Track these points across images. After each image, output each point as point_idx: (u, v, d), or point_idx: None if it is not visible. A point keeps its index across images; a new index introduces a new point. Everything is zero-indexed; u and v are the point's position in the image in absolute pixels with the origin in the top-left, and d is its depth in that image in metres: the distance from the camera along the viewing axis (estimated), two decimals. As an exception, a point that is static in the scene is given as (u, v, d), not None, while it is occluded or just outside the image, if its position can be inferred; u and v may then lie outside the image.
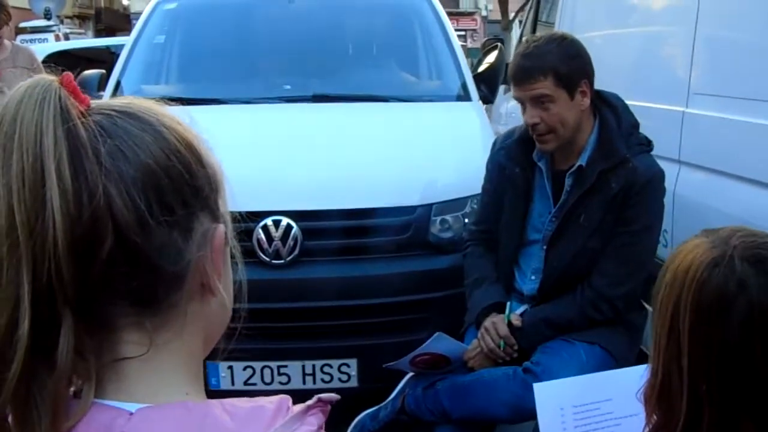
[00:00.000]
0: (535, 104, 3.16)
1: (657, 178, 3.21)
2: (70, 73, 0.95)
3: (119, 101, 0.99)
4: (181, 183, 0.96)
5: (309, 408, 0.98)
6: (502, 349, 3.27)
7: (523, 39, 4.18)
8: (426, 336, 3.32)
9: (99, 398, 0.93)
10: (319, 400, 1.00)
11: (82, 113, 0.92)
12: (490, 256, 3.53)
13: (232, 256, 1.06)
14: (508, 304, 3.36)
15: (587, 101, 3.20)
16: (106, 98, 5.10)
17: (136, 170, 0.92)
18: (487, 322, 3.31)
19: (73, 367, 0.89)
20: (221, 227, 1.01)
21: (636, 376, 2.10)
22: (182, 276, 0.96)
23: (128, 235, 0.90)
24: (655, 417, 1.57)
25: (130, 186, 0.91)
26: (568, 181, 3.24)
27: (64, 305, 0.88)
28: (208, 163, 1.01)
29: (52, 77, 0.93)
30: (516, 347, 3.29)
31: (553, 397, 2.67)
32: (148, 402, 0.93)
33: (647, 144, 3.26)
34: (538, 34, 3.40)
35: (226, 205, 1.05)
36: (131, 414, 0.91)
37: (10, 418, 0.89)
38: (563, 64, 3.14)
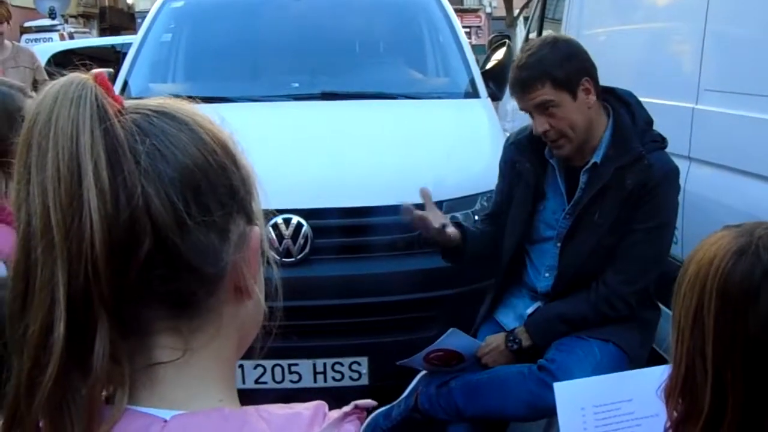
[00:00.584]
0: (541, 112, 3.16)
1: (672, 175, 3.20)
2: (103, 71, 0.94)
3: (154, 101, 0.98)
4: (218, 183, 0.95)
5: (346, 414, 0.97)
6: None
7: (521, 47, 4.17)
8: (437, 333, 3.31)
9: (132, 404, 0.91)
10: (356, 406, 0.99)
11: (119, 111, 0.91)
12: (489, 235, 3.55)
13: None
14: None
15: (593, 98, 3.19)
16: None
17: (174, 170, 0.91)
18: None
19: (107, 372, 0.88)
20: (256, 229, 1.00)
21: (656, 377, 2.09)
22: (219, 278, 0.95)
23: (167, 236, 0.89)
24: (676, 411, 1.56)
25: (168, 186, 0.90)
26: (582, 179, 3.23)
27: (101, 308, 0.86)
28: (242, 164, 1.00)
29: (86, 75, 0.92)
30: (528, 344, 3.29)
31: (574, 397, 2.67)
32: (182, 408, 0.92)
33: (661, 141, 3.25)
34: (531, 42, 3.37)
35: (259, 207, 1.04)
36: (166, 421, 0.90)
37: (42, 423, 0.88)
38: (558, 67, 3.14)
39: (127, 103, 0.95)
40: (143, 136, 0.90)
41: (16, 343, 0.87)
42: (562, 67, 3.15)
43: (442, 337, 3.24)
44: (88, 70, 0.94)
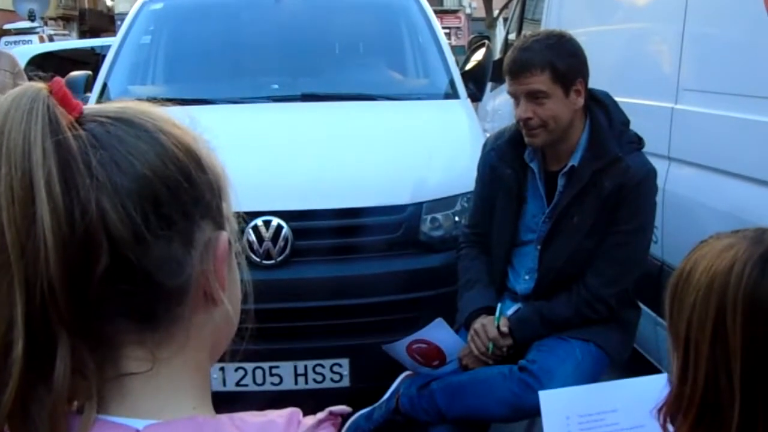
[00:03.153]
0: (530, 99, 3.15)
1: (650, 176, 3.20)
2: (60, 79, 0.91)
3: (114, 106, 0.95)
4: (180, 192, 0.92)
5: (320, 422, 0.96)
6: (490, 352, 3.27)
7: (522, 34, 4.17)
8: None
9: (103, 414, 0.90)
10: (330, 413, 0.98)
11: (72, 124, 0.87)
12: (483, 258, 3.52)
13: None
14: (499, 306, 3.36)
15: (581, 101, 3.19)
16: (92, 100, 5.09)
17: (131, 181, 0.88)
18: (477, 325, 3.30)
19: (72, 387, 0.86)
20: (224, 234, 0.97)
21: (643, 387, 2.08)
22: (184, 289, 0.93)
23: (124, 251, 0.87)
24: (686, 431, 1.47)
25: (124, 199, 0.87)
26: (560, 182, 3.23)
27: (60, 326, 0.85)
28: (210, 166, 0.97)
29: (40, 85, 0.89)
30: (505, 349, 3.29)
31: (559, 406, 2.66)
32: (155, 418, 0.90)
33: (638, 142, 3.26)
34: (536, 30, 3.37)
35: (230, 208, 1.01)
36: (138, 431, 0.89)
37: None
38: (561, 60, 3.13)
39: (87, 109, 0.92)
40: (98, 147, 0.87)
41: None
42: (564, 61, 3.15)
43: (428, 326, 3.24)
44: (67, 73, 0.92)
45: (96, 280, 0.85)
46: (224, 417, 0.93)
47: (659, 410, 1.51)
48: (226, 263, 0.98)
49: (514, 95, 3.23)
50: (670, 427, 1.50)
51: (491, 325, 3.28)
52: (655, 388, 1.56)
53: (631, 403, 2.44)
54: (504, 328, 3.27)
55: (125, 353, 0.92)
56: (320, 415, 0.97)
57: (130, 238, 0.86)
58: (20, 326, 0.83)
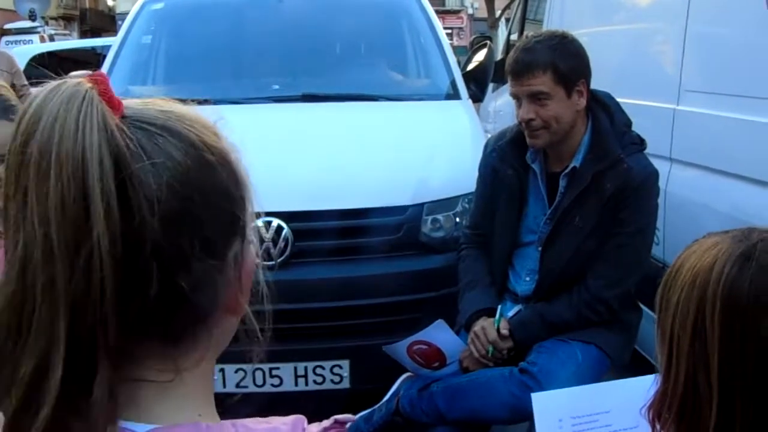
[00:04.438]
0: (532, 100, 3.14)
1: (652, 178, 3.19)
2: (104, 75, 0.87)
3: (155, 108, 0.91)
4: (220, 214, 0.90)
5: (325, 429, 0.94)
6: (490, 354, 3.26)
7: (524, 35, 4.16)
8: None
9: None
10: (336, 421, 0.96)
11: (121, 130, 0.83)
12: (484, 260, 3.51)
13: None
14: (499, 308, 3.34)
15: (583, 102, 3.18)
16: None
17: (180, 203, 0.85)
18: (477, 327, 3.30)
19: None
20: (252, 249, 0.96)
21: (635, 388, 2.05)
22: (214, 308, 0.92)
23: (173, 277, 0.84)
24: (669, 430, 1.47)
25: (174, 222, 0.84)
26: (562, 183, 3.22)
27: (103, 352, 0.81)
28: (242, 180, 0.95)
29: (87, 84, 0.84)
30: (505, 352, 3.28)
31: (552, 408, 2.63)
32: (160, 423, 0.88)
33: (640, 143, 3.25)
34: (538, 31, 3.36)
35: (253, 216, 0.98)
36: None
37: None
38: (563, 61, 3.12)
39: (128, 110, 0.88)
40: (151, 166, 0.84)
41: (1, 382, 0.81)
42: (567, 62, 3.14)
43: (428, 328, 3.23)
44: (67, 73, 0.89)
45: (149, 305, 0.83)
46: (227, 423, 0.92)
47: (648, 409, 1.50)
48: (252, 275, 0.97)
49: (516, 96, 3.22)
50: (658, 426, 1.50)
51: (491, 328, 3.27)
52: (648, 388, 1.55)
53: (624, 404, 2.42)
54: (504, 331, 3.26)
55: (147, 365, 0.89)
56: (326, 422, 0.96)
57: (177, 263, 0.84)
58: (62, 348, 0.78)
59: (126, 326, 0.82)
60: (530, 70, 3.12)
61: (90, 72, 0.87)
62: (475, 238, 3.58)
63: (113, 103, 0.85)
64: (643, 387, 1.56)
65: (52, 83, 0.84)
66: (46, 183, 0.78)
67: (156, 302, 0.83)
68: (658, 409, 1.48)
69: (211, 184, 0.89)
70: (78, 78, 0.85)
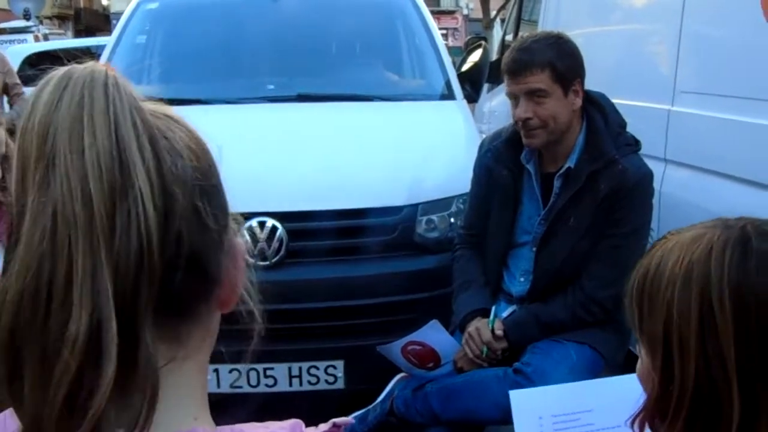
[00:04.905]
0: (530, 99, 3.14)
1: (646, 179, 3.20)
2: (109, 65, 0.88)
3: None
4: (218, 192, 0.92)
5: None
6: (484, 355, 3.26)
7: (519, 35, 4.16)
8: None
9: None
10: (334, 424, 0.96)
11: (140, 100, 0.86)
12: (478, 260, 3.51)
13: None
14: (493, 309, 3.34)
15: (579, 101, 3.19)
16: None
17: (197, 171, 0.87)
18: (471, 328, 3.30)
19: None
20: (241, 241, 0.97)
21: (618, 387, 2.03)
22: (215, 285, 0.91)
23: (192, 239, 0.84)
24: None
25: (194, 187, 0.86)
26: (557, 183, 3.23)
27: (147, 308, 0.80)
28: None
29: (101, 66, 0.85)
30: (499, 353, 3.28)
31: (531, 406, 2.60)
32: (156, 426, 0.84)
33: (635, 144, 3.25)
34: (533, 32, 3.37)
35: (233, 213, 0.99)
36: None
37: None
38: (560, 60, 3.14)
39: None
40: (170, 132, 0.87)
41: (32, 347, 0.77)
42: (563, 61, 3.16)
43: (423, 328, 3.23)
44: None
45: (180, 269, 0.83)
46: (225, 428, 0.90)
47: (634, 419, 1.44)
48: (243, 271, 0.97)
49: (513, 95, 3.22)
50: None
51: (485, 329, 3.27)
52: (631, 387, 1.49)
53: (607, 403, 2.39)
54: (499, 332, 3.26)
55: (157, 345, 0.85)
56: (323, 426, 0.95)
57: (198, 228, 0.85)
58: (111, 302, 0.76)
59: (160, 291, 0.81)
60: (528, 68, 3.13)
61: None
62: (470, 239, 3.58)
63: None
64: (627, 386, 1.52)
65: (64, 68, 0.85)
66: (80, 142, 0.78)
67: (185, 267, 0.84)
68: (652, 415, 1.41)
69: (209, 166, 0.91)
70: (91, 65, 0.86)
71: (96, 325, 0.76)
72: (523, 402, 2.63)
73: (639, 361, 1.47)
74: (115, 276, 0.77)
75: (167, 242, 0.81)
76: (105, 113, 0.80)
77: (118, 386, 0.77)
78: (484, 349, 3.25)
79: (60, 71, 0.84)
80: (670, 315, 1.36)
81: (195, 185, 0.86)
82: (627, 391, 1.49)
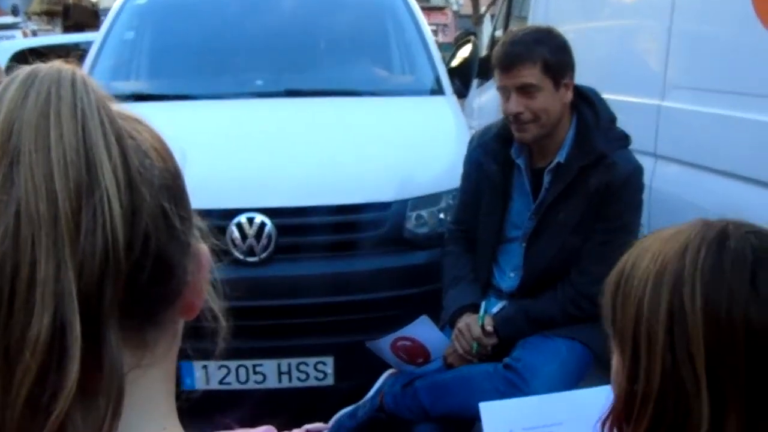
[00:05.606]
0: (521, 93, 3.13)
1: (636, 174, 3.19)
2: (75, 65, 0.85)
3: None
4: (184, 195, 0.90)
5: None
6: (474, 351, 3.25)
7: (508, 30, 4.15)
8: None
9: None
10: (307, 431, 0.95)
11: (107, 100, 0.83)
12: (468, 256, 3.50)
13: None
14: (483, 304, 3.33)
15: (570, 96, 3.18)
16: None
17: (163, 170, 0.85)
18: (461, 324, 3.29)
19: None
20: (205, 248, 0.94)
21: (589, 399, 2.00)
22: (180, 290, 0.89)
23: (158, 238, 0.82)
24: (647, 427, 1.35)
25: (162, 187, 0.84)
26: (546, 179, 3.21)
27: (109, 321, 0.78)
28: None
29: (66, 65, 0.83)
30: (489, 348, 3.27)
31: (501, 418, 2.57)
32: None
33: (625, 139, 3.24)
34: (524, 26, 3.37)
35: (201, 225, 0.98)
36: None
37: None
38: (551, 53, 3.12)
39: None
40: (136, 131, 0.85)
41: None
42: (555, 55, 3.15)
43: (412, 323, 3.22)
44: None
45: (148, 267, 0.81)
46: None
47: (604, 422, 1.41)
48: (207, 275, 0.95)
49: (504, 89, 3.20)
50: None
51: (475, 325, 3.26)
52: (601, 399, 1.44)
53: (578, 416, 2.34)
54: (489, 328, 3.25)
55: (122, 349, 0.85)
56: (295, 431, 0.93)
57: (165, 230, 0.83)
58: (75, 304, 0.74)
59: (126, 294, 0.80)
60: (519, 62, 3.11)
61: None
62: (459, 234, 3.57)
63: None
64: (598, 398, 1.48)
65: (29, 67, 0.83)
66: (46, 140, 0.76)
67: (151, 269, 0.82)
68: (619, 418, 1.38)
69: (176, 167, 0.89)
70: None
71: (59, 326, 0.74)
72: (494, 414, 2.58)
73: (612, 360, 1.44)
74: (80, 276, 0.75)
75: (134, 242, 0.79)
76: (72, 111, 0.78)
77: (82, 389, 0.75)
78: (474, 345, 3.24)
79: (26, 69, 0.82)
80: (640, 312, 1.33)
81: (162, 186, 0.84)
82: (599, 404, 1.44)
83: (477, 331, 3.25)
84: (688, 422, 1.29)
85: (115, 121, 0.81)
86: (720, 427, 1.27)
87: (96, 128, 0.78)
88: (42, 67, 0.82)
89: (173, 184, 0.86)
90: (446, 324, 3.41)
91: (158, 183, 0.83)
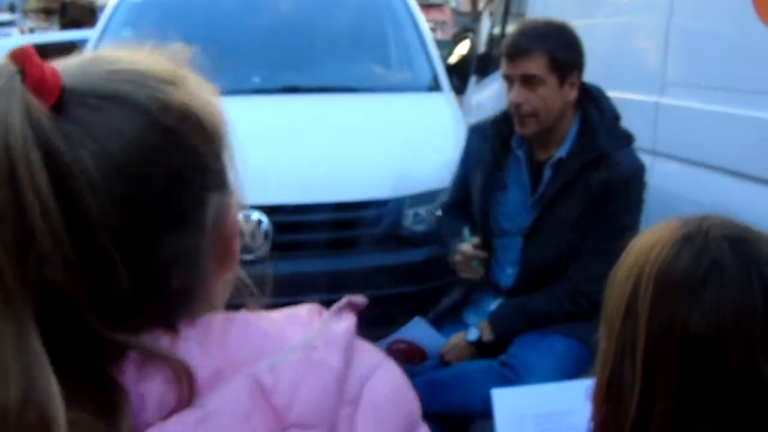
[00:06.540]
0: (524, 84, 3.11)
1: (639, 173, 3.17)
2: (27, 49, 0.80)
3: (101, 69, 0.85)
4: (188, 177, 0.86)
5: (340, 310, 0.94)
6: (476, 268, 3.23)
7: (523, 19, 4.15)
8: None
9: None
10: (349, 302, 0.96)
11: (54, 120, 0.77)
12: (464, 217, 3.46)
13: None
14: (465, 229, 3.30)
15: (574, 94, 3.16)
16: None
17: (136, 182, 0.80)
18: (455, 255, 3.28)
19: None
20: (233, 202, 0.97)
21: None
22: (202, 277, 0.91)
23: (144, 261, 0.82)
24: (602, 413, 1.41)
25: (132, 203, 0.80)
26: (547, 173, 3.19)
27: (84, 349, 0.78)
28: (213, 127, 0.92)
29: (11, 67, 0.78)
30: (486, 336, 3.25)
31: (513, 405, 2.55)
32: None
33: (628, 138, 3.22)
34: (538, 18, 3.35)
35: (231, 158, 0.98)
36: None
37: None
38: (561, 48, 3.10)
39: (68, 78, 0.82)
40: (92, 149, 0.78)
41: None
42: (564, 50, 3.12)
43: (406, 326, 3.21)
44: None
45: (125, 295, 0.79)
46: (245, 312, 0.92)
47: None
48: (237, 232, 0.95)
49: (509, 78, 3.18)
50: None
51: (466, 245, 3.26)
52: None
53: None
54: (488, 338, 3.24)
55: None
56: (340, 303, 0.95)
57: (144, 245, 0.81)
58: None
59: (110, 317, 0.79)
60: (527, 53, 3.09)
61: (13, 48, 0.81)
62: (456, 205, 3.55)
63: (44, 81, 0.79)
64: None
65: None
66: None
67: (136, 289, 0.80)
68: (594, 393, 1.43)
69: (170, 149, 0.84)
70: (2, 62, 0.79)
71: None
72: (506, 401, 2.58)
73: None
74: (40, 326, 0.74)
75: (98, 280, 0.78)
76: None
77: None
78: (475, 263, 3.22)
79: None
80: (610, 299, 1.38)
81: (130, 197, 0.80)
82: None
83: (469, 248, 3.24)
84: (620, 412, 1.33)
85: (52, 151, 0.75)
86: (645, 427, 1.30)
87: (24, 173, 0.73)
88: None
89: (153, 180, 0.82)
90: (443, 316, 3.39)
91: (124, 196, 0.80)
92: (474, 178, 3.38)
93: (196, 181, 0.87)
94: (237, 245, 0.95)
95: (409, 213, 4.11)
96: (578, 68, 3.16)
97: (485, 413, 3.24)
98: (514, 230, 3.30)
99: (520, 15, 7.32)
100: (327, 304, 3.46)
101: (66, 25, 16.91)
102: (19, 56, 0.79)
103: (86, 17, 17.62)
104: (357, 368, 0.89)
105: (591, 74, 3.27)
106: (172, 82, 0.89)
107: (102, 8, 7.03)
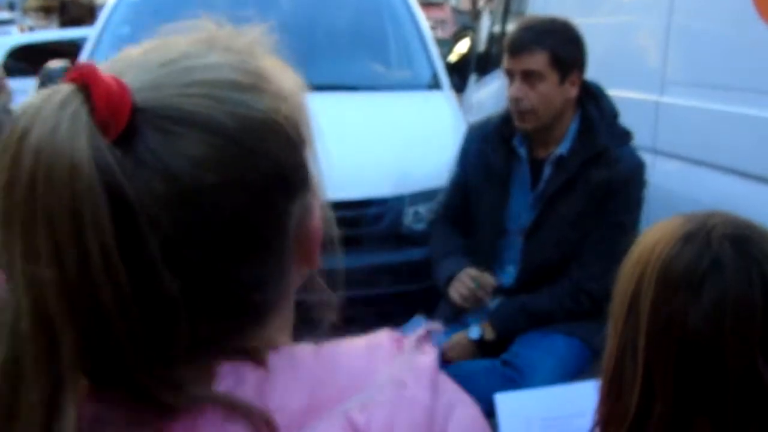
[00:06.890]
0: (525, 79, 3.10)
1: (638, 170, 3.17)
2: (91, 68, 0.72)
3: (175, 83, 0.77)
4: (268, 192, 0.81)
5: (419, 338, 0.90)
6: (477, 286, 3.21)
7: (526, 16, 4.14)
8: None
9: None
10: (428, 331, 0.94)
11: (115, 151, 0.70)
12: (457, 237, 3.45)
13: None
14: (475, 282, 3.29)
15: (574, 92, 3.15)
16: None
17: (209, 212, 0.75)
18: (455, 282, 3.23)
19: None
20: (316, 203, 0.97)
21: None
22: (282, 292, 0.94)
23: (214, 298, 0.79)
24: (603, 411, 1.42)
25: (202, 247, 0.76)
26: (547, 170, 3.19)
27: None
28: (299, 132, 0.87)
29: (76, 97, 0.70)
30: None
31: (518, 409, 2.53)
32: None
33: (627, 135, 3.22)
34: (543, 15, 3.34)
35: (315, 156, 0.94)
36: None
37: None
38: (563, 46, 3.10)
39: (140, 94, 0.74)
40: (158, 176, 0.72)
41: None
42: (566, 48, 3.13)
43: (406, 324, 3.20)
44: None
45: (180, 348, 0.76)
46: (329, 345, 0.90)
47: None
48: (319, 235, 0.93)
49: (510, 73, 3.18)
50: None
51: (470, 270, 3.22)
52: None
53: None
54: (489, 337, 3.23)
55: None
56: (419, 332, 0.93)
57: (216, 280, 0.78)
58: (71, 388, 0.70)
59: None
60: (529, 48, 3.09)
61: (68, 65, 0.76)
62: (448, 216, 3.53)
63: (113, 105, 0.72)
64: None
65: (38, 97, 0.71)
66: (34, 233, 0.68)
67: (217, 321, 0.80)
68: (600, 391, 1.44)
69: (251, 172, 0.78)
70: (65, 88, 0.72)
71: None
72: (510, 406, 2.55)
73: None
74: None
75: (160, 324, 0.75)
76: (68, 202, 0.68)
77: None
78: (476, 282, 3.20)
79: (32, 104, 0.71)
80: (616, 296, 1.39)
81: (202, 229, 0.77)
82: None
83: (473, 271, 3.21)
84: (621, 408, 1.34)
85: (116, 187, 0.70)
86: (644, 423, 1.31)
87: (90, 227, 0.68)
88: (43, 109, 0.70)
89: (230, 215, 0.77)
90: (445, 318, 3.38)
91: (196, 227, 0.76)
92: (475, 178, 3.37)
93: (278, 199, 0.83)
94: (317, 245, 0.94)
95: (409, 211, 4.10)
96: (580, 66, 3.16)
97: (488, 413, 3.23)
98: (516, 229, 3.29)
99: (520, 13, 7.32)
100: (326, 304, 3.42)
101: (65, 23, 16.88)
102: (80, 76, 0.73)
103: (86, 15, 17.59)
104: (441, 404, 0.86)
105: (591, 72, 3.27)
106: (254, 88, 0.82)
107: (101, 6, 7.02)
